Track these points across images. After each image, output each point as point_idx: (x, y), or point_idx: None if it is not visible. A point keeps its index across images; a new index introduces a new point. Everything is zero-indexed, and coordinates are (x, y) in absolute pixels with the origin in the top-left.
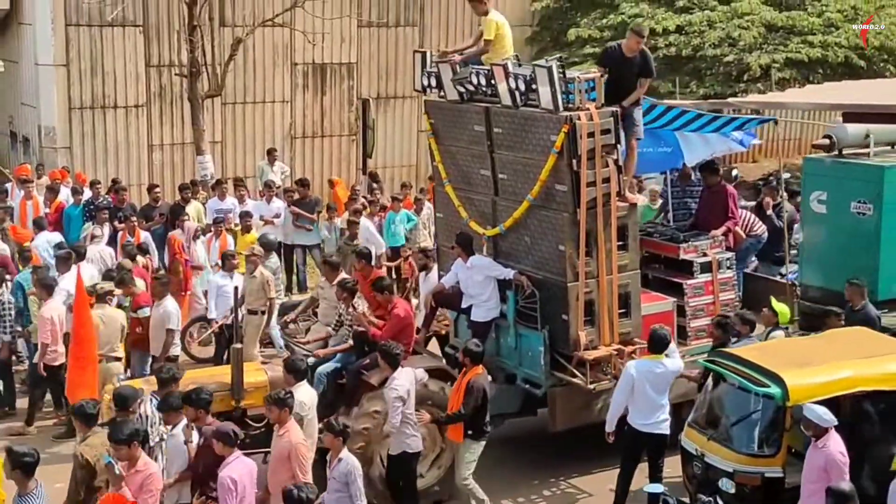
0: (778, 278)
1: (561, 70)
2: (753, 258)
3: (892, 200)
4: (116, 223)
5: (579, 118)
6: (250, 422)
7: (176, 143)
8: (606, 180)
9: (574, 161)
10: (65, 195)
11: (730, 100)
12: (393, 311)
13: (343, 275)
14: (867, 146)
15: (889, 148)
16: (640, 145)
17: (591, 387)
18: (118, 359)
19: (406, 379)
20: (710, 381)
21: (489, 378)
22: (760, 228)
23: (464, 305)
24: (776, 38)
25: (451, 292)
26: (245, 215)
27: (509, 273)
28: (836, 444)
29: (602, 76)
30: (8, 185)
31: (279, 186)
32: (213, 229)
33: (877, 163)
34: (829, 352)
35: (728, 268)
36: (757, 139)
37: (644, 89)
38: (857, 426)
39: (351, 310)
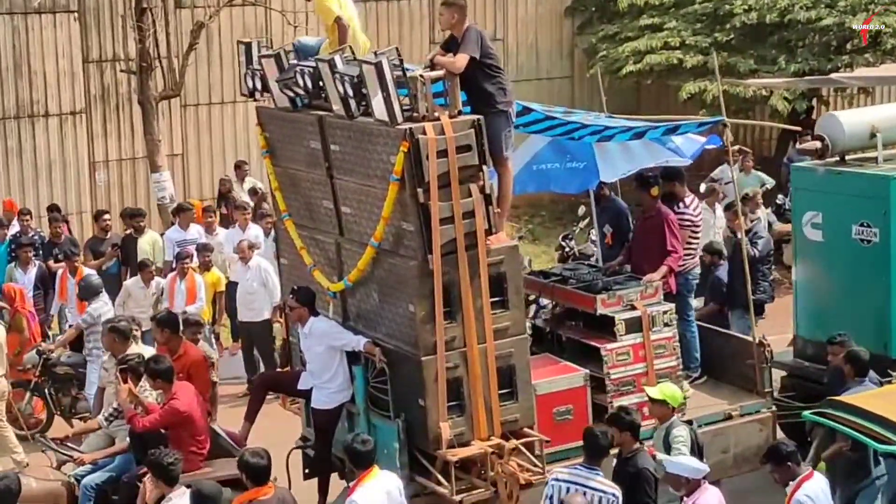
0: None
1: (397, 66)
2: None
3: None
4: (52, 262)
5: (423, 131)
6: None
7: (125, 159)
8: (470, 214)
9: (420, 190)
10: None
11: (832, 76)
12: (170, 402)
13: (135, 347)
14: (874, 148)
15: None
16: (543, 159)
17: (458, 498)
18: None
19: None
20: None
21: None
22: (692, 261)
23: (302, 386)
24: None
25: (286, 371)
26: (202, 249)
27: (358, 342)
28: (713, 498)
29: (454, 74)
30: None
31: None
32: (175, 267)
33: (883, 171)
34: None
35: (666, 324)
36: (715, 143)
37: (444, 71)
38: None
39: (124, 395)
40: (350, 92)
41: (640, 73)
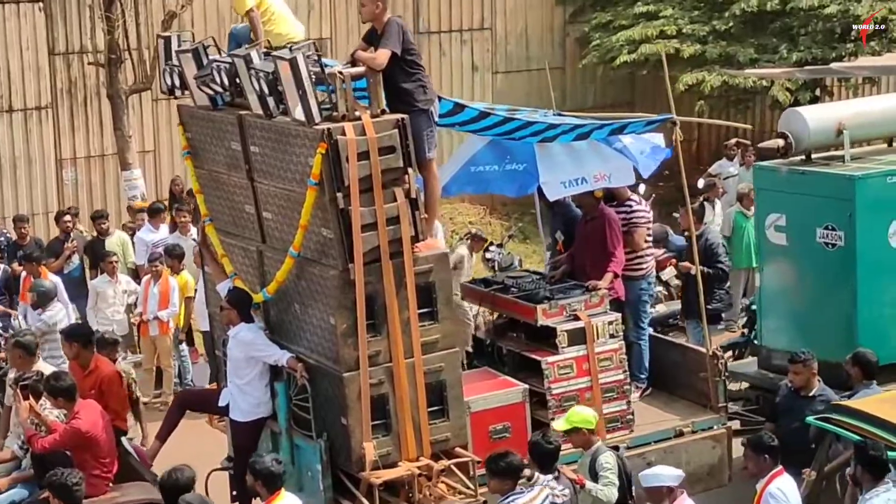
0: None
1: (314, 62)
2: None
3: (870, 225)
4: (15, 265)
5: (342, 132)
6: None
7: (94, 156)
8: (395, 220)
9: (340, 195)
10: None
11: (833, 65)
12: (71, 422)
13: (39, 364)
14: (842, 146)
15: (884, 147)
16: (481, 160)
17: None
18: None
19: None
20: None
21: None
22: (647, 265)
23: (223, 403)
24: None
25: (207, 388)
26: (171, 251)
27: (282, 357)
28: None
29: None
30: None
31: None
32: (150, 270)
33: (847, 171)
34: None
35: (612, 335)
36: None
37: (365, 67)
38: None
39: (25, 414)
40: (266, 90)
41: (634, 64)
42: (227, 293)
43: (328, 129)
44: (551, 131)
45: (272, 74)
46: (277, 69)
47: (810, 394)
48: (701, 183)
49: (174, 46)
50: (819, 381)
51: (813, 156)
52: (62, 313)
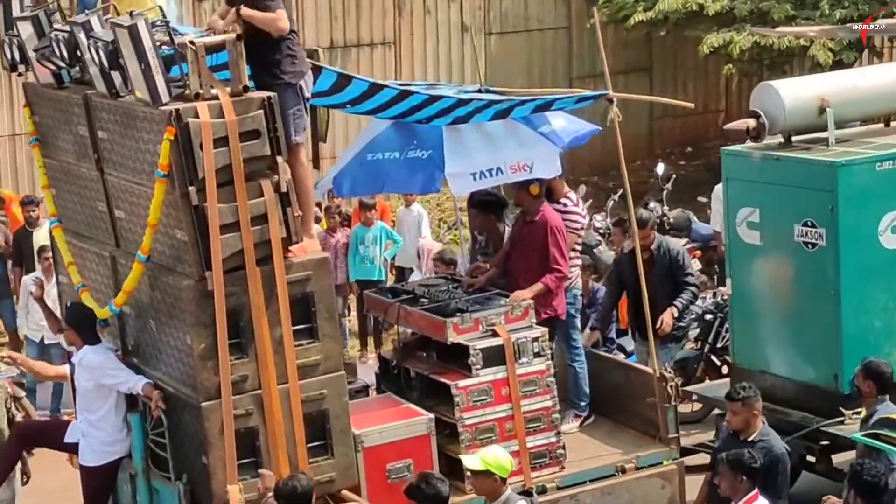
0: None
1: (162, 28)
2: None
3: (856, 221)
4: None
5: (195, 114)
6: None
7: (18, 134)
8: (262, 219)
9: (192, 189)
10: None
11: (881, 21)
12: None
13: None
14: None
15: (880, 127)
16: (379, 145)
17: None
18: None
19: None
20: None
21: None
22: (573, 276)
23: (70, 438)
24: None
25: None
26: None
27: (136, 384)
28: None
29: (239, 39)
30: None
31: None
32: None
33: (828, 157)
34: None
35: (537, 354)
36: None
37: (222, 36)
38: None
39: None
40: (106, 63)
41: (651, 23)
42: (66, 310)
43: (175, 110)
44: (461, 109)
45: (112, 45)
46: (117, 38)
47: (750, 437)
48: None
49: (15, 13)
50: (763, 422)
51: (793, 138)
52: None
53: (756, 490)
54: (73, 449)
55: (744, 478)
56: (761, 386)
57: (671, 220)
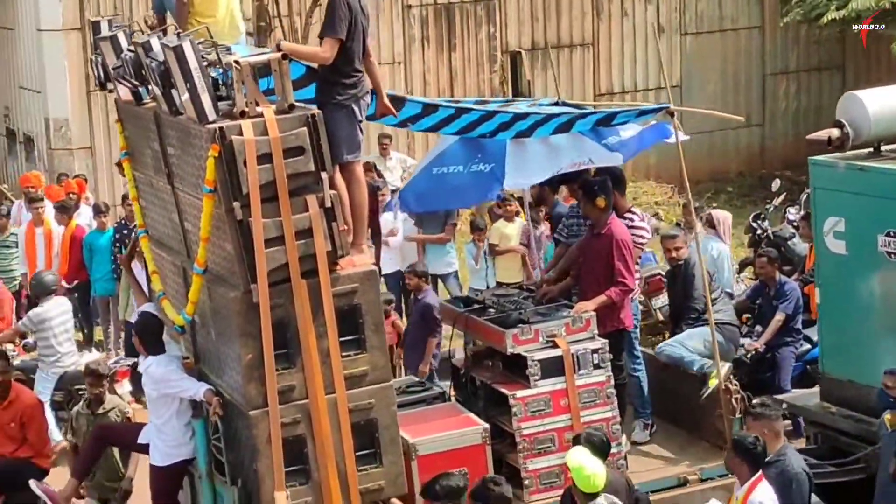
0: None
1: (208, 47)
2: None
3: None
4: None
5: (239, 131)
6: None
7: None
8: (307, 233)
9: (237, 204)
10: (86, 217)
11: None
12: None
13: None
14: None
15: None
16: (447, 160)
17: None
18: None
19: None
20: None
21: None
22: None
23: (143, 440)
24: None
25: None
26: None
27: (198, 390)
28: None
29: (285, 58)
30: (14, 205)
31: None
32: None
33: None
34: None
35: (597, 366)
36: (673, 137)
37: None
38: None
39: None
40: (160, 82)
41: (845, 21)
42: (136, 319)
43: (220, 127)
44: (522, 122)
45: (163, 65)
46: (167, 59)
47: (767, 458)
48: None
49: (104, 33)
50: (784, 440)
51: (883, 148)
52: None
53: (760, 473)
54: (145, 450)
55: (744, 460)
56: (849, 395)
57: (772, 236)
